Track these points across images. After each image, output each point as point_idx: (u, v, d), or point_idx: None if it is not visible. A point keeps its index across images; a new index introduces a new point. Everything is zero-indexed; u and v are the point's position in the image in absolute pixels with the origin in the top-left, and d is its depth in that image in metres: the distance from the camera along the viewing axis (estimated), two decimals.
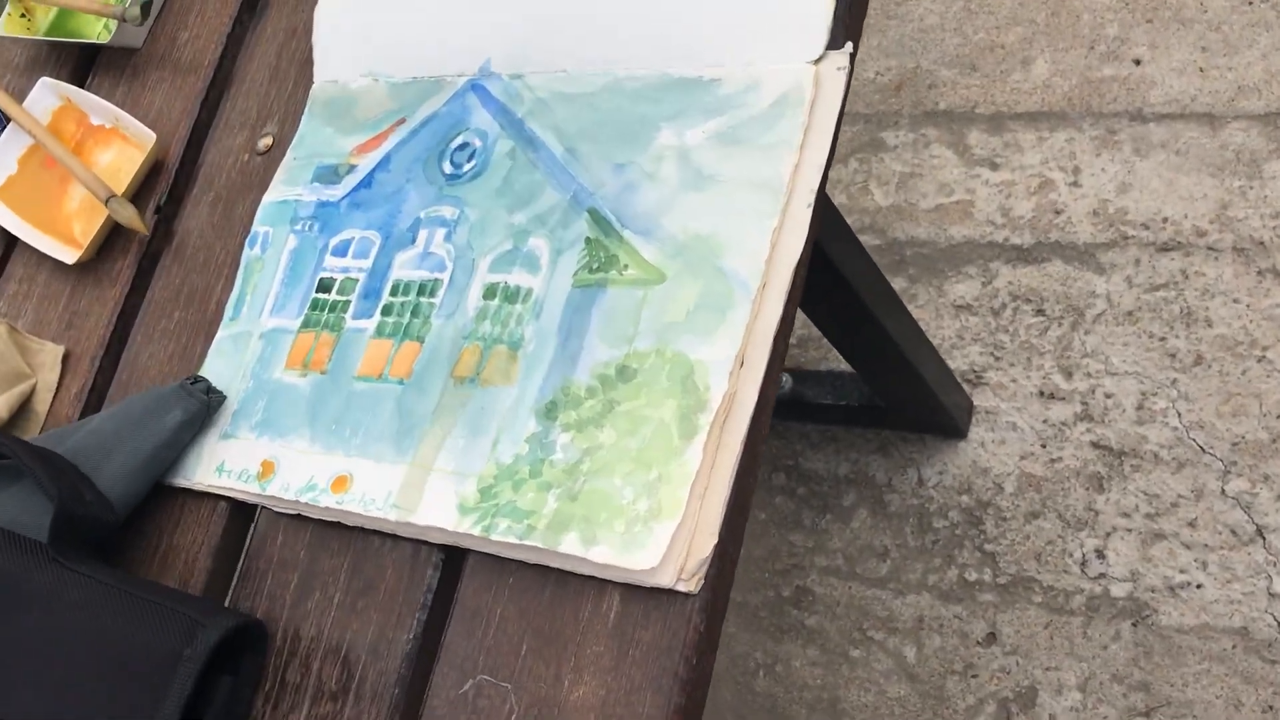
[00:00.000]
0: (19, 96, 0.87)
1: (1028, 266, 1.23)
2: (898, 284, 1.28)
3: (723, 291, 0.55)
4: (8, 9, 0.92)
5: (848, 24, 0.59)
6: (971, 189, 1.29)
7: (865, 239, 1.32)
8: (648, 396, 0.55)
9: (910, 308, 1.25)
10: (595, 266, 0.60)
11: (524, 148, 0.66)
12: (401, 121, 0.72)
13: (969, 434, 1.18)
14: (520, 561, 0.56)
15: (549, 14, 0.69)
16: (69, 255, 0.81)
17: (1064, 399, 1.16)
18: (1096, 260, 1.20)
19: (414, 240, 0.68)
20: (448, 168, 0.69)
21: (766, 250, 0.55)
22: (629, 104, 0.63)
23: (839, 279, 0.85)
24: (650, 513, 0.52)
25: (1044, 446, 1.15)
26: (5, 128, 0.86)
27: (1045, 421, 1.16)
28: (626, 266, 0.59)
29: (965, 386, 1.19)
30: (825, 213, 0.81)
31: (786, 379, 1.20)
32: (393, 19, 0.76)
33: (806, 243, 0.56)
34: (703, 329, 0.55)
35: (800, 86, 0.58)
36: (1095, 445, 1.13)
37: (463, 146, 0.69)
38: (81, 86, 0.90)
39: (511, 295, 0.62)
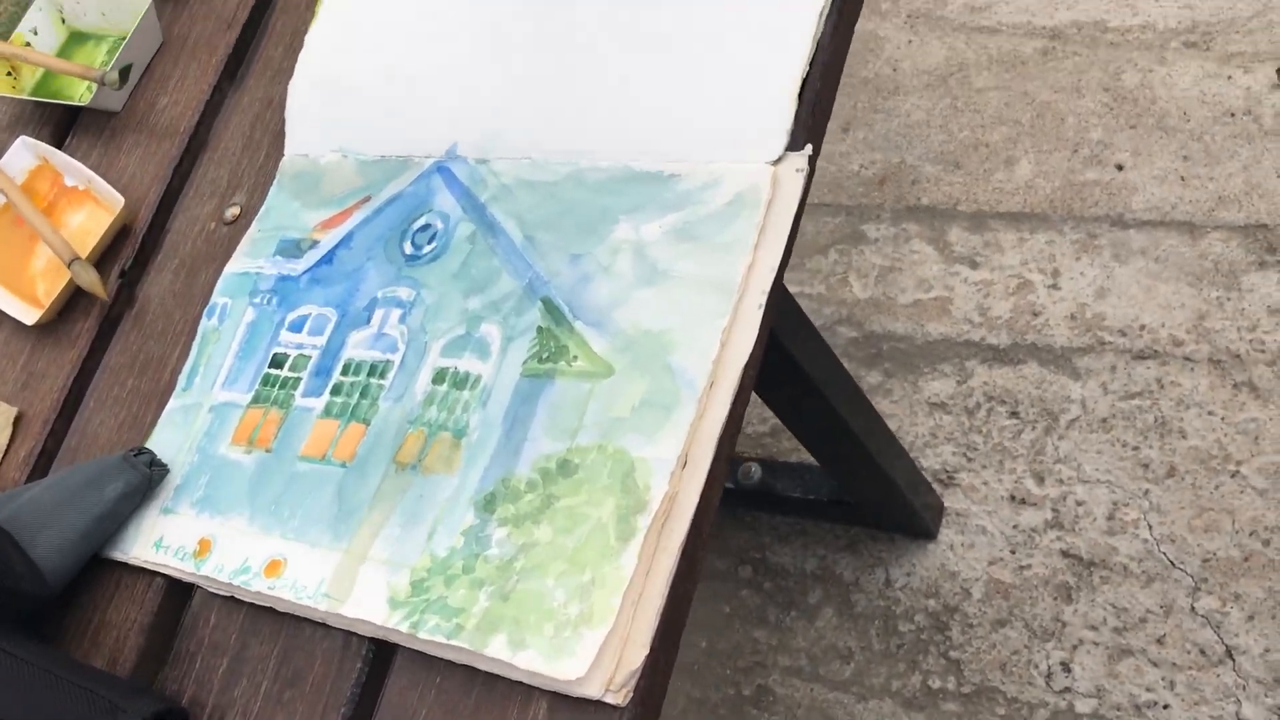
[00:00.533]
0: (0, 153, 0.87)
1: (1004, 367, 1.22)
2: (873, 378, 1.27)
3: (669, 389, 0.54)
4: None
5: (809, 126, 0.59)
6: (950, 286, 1.29)
7: (842, 330, 1.31)
8: (588, 493, 0.54)
9: (884, 403, 1.24)
10: (545, 356, 0.59)
11: (484, 233, 0.66)
12: (366, 199, 0.72)
13: (939, 535, 1.16)
14: (449, 660, 0.54)
15: (518, 103, 0.69)
16: (30, 315, 0.80)
17: (1035, 505, 1.14)
18: (1072, 365, 1.19)
19: (369, 320, 0.67)
20: (408, 248, 0.68)
21: (716, 350, 0.54)
22: (590, 195, 0.63)
23: (803, 379, 0.84)
24: (581, 618, 0.50)
25: (1013, 553, 1.13)
26: None
27: (1015, 527, 1.14)
28: (576, 358, 0.58)
29: (936, 487, 1.18)
30: (791, 314, 0.81)
31: (756, 469, 1.19)
32: (365, 97, 0.76)
33: (757, 343, 0.55)
34: (647, 426, 0.54)
35: (757, 187, 0.57)
36: (1065, 554, 1.11)
37: (424, 228, 0.68)
38: (61, 146, 0.90)
39: (460, 381, 0.61)
